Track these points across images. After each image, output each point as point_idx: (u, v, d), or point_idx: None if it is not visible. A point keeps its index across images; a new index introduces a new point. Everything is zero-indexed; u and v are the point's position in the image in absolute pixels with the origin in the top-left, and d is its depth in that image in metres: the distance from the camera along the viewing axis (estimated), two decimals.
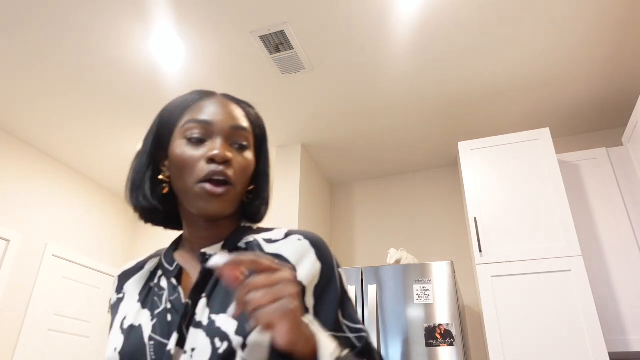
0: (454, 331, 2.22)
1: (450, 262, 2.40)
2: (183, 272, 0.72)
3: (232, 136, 0.72)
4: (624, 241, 2.47)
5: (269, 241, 0.72)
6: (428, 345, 2.22)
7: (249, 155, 0.73)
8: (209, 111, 0.72)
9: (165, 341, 0.63)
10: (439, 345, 2.20)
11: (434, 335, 2.23)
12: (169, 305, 0.67)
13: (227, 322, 0.62)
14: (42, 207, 3.45)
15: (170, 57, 2.58)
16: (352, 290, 2.46)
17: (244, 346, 0.59)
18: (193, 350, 0.61)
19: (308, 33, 2.42)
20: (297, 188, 3.26)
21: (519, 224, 2.41)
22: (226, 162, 0.68)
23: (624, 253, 2.44)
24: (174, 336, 0.63)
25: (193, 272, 0.72)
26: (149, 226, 4.32)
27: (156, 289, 0.71)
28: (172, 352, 0.61)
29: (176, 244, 0.78)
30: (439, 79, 2.75)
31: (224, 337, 0.60)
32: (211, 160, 0.68)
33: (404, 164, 3.69)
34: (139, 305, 0.70)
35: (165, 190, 0.73)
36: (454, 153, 3.54)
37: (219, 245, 0.72)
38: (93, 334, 3.69)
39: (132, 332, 0.66)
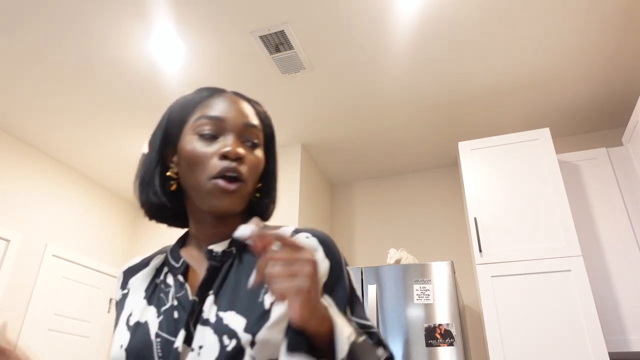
0: (454, 331, 2.22)
1: (450, 262, 2.40)
2: (189, 269, 0.72)
3: (244, 133, 0.72)
4: (624, 241, 2.47)
5: None
6: (428, 345, 2.22)
7: (260, 153, 0.73)
8: (220, 108, 0.72)
9: (172, 338, 0.63)
10: (439, 345, 2.20)
11: (434, 335, 2.23)
12: (175, 302, 0.67)
13: (235, 320, 0.61)
14: (42, 207, 3.45)
15: (170, 57, 2.58)
16: None
17: (252, 344, 0.59)
18: (201, 347, 0.60)
19: (308, 33, 2.42)
20: (297, 188, 3.26)
21: (519, 224, 2.41)
22: (239, 159, 0.68)
23: (624, 253, 2.44)
24: (182, 333, 0.62)
25: (200, 269, 0.71)
26: (149, 226, 4.32)
27: (162, 286, 0.71)
28: (180, 349, 0.61)
29: (182, 241, 0.78)
30: (439, 79, 2.75)
31: (233, 334, 0.60)
32: (224, 156, 0.68)
33: (404, 164, 3.69)
34: (145, 302, 0.70)
35: (173, 187, 0.73)
36: (454, 153, 3.54)
37: (226, 242, 0.72)
38: (93, 334, 3.69)
39: (138, 329, 0.66)
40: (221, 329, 0.61)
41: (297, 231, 0.73)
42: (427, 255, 3.43)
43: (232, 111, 0.72)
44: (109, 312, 3.86)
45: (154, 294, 0.71)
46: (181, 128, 0.73)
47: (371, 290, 2.41)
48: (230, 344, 0.59)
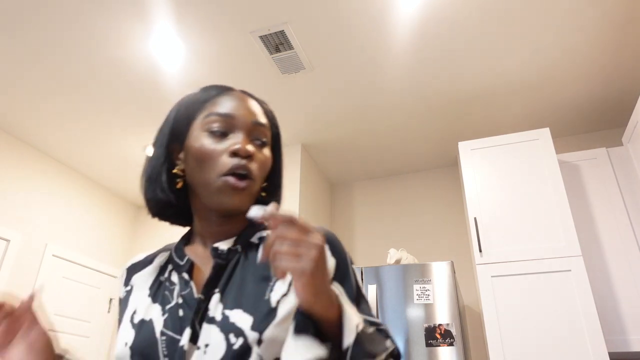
0: (454, 331, 2.22)
1: (450, 262, 2.41)
2: (194, 267, 0.72)
3: (254, 131, 0.72)
4: (624, 241, 2.47)
5: None
6: (428, 345, 2.22)
7: (268, 152, 0.73)
8: (230, 105, 0.72)
9: (177, 337, 0.62)
10: (439, 345, 2.20)
11: (434, 335, 2.23)
12: (180, 300, 0.66)
13: (242, 318, 0.61)
14: (42, 207, 3.45)
15: (170, 57, 2.58)
16: None
17: (259, 342, 0.59)
18: (207, 346, 0.60)
19: (308, 33, 2.42)
20: (297, 188, 3.26)
21: (519, 224, 2.41)
22: (249, 156, 0.68)
23: (624, 253, 2.45)
24: (187, 332, 0.62)
25: (204, 267, 0.71)
26: (149, 226, 4.32)
27: (167, 284, 0.71)
28: (185, 347, 0.61)
29: (186, 239, 0.77)
30: (439, 78, 2.75)
31: (239, 332, 0.60)
32: (234, 154, 0.68)
33: (404, 164, 3.69)
34: (149, 299, 0.70)
35: (179, 185, 0.73)
36: (454, 153, 3.54)
37: (232, 240, 0.72)
38: (93, 334, 3.69)
39: (143, 327, 0.65)
40: (227, 327, 0.60)
41: None
42: (427, 255, 3.43)
43: (242, 109, 0.72)
44: (109, 312, 3.86)
45: (158, 292, 0.70)
46: (189, 125, 0.73)
47: (371, 290, 2.41)
48: (237, 342, 0.59)
